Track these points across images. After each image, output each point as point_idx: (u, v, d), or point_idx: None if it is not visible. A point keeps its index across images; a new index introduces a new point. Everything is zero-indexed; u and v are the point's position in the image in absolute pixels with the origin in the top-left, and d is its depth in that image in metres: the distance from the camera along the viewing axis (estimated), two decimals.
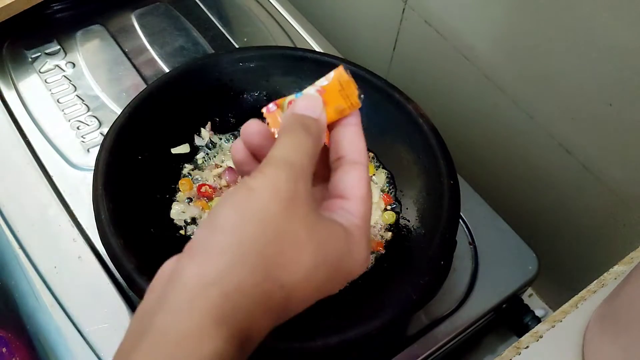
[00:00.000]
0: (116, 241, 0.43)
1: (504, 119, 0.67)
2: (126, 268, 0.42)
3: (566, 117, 0.59)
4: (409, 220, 0.53)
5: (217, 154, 0.57)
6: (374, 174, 0.56)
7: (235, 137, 0.58)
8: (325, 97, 0.32)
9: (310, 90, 0.33)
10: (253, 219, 0.26)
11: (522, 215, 0.67)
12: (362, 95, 0.33)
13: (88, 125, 0.64)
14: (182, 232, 0.51)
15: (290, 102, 0.33)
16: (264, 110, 0.34)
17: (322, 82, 0.33)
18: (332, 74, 0.33)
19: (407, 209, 0.54)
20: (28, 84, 0.68)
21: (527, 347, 0.43)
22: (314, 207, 0.28)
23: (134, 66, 0.71)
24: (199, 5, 0.79)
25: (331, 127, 0.33)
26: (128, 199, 0.48)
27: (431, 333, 0.53)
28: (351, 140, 0.33)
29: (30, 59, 0.70)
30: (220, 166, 0.55)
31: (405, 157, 0.55)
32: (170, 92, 0.55)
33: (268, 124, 0.33)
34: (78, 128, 0.64)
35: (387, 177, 0.56)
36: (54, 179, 0.59)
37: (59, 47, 0.72)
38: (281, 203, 0.26)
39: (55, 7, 0.76)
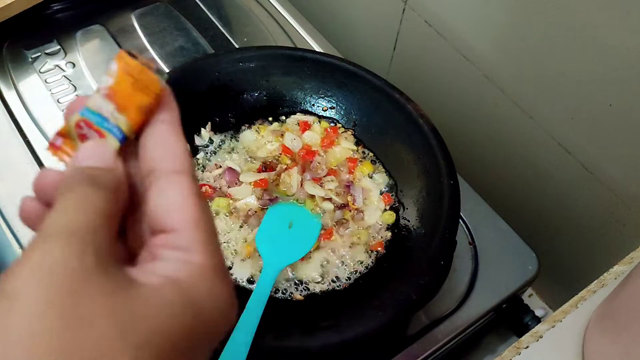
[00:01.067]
0: None
1: (504, 119, 0.67)
2: None
3: (566, 117, 0.59)
4: (409, 220, 0.53)
5: (217, 154, 0.57)
6: (372, 172, 0.56)
7: (232, 137, 0.58)
8: (119, 100, 0.24)
9: (97, 99, 0.24)
10: (17, 342, 0.17)
11: (522, 215, 0.68)
12: (165, 75, 0.25)
13: None
14: None
15: (78, 125, 0.24)
16: (48, 149, 0.25)
17: (108, 81, 0.24)
18: (114, 67, 0.24)
19: (407, 209, 0.54)
20: (28, 84, 0.68)
21: (527, 347, 0.43)
22: (115, 283, 0.19)
23: None
24: (199, 5, 0.79)
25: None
26: None
27: (431, 333, 0.53)
28: (162, 142, 0.23)
29: (30, 59, 0.70)
30: (220, 166, 0.55)
31: (405, 157, 0.55)
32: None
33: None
34: None
35: (387, 176, 0.56)
36: None
37: (59, 47, 0.72)
38: (57, 305, 0.17)
39: (55, 7, 0.76)
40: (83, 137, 0.24)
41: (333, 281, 0.49)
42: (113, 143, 0.24)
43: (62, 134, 0.24)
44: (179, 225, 0.22)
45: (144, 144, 0.24)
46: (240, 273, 0.49)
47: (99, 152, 0.23)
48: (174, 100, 0.24)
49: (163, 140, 0.23)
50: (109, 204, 0.21)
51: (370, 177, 0.56)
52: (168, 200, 0.22)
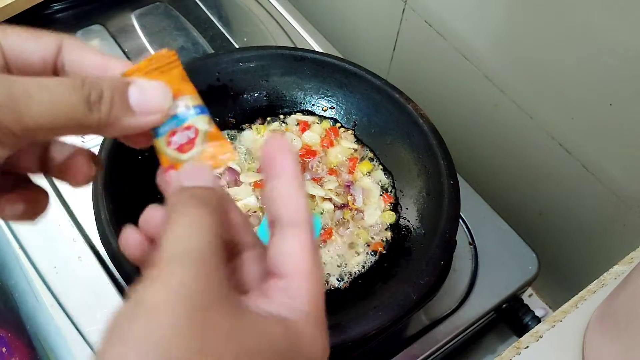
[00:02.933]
0: (116, 241, 0.43)
1: (504, 119, 0.67)
2: (126, 268, 0.42)
3: (566, 117, 0.59)
4: (409, 220, 0.53)
5: None
6: (370, 171, 0.56)
7: (232, 137, 0.58)
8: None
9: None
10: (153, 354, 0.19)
11: (522, 215, 0.68)
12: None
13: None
14: None
15: (169, 144, 0.25)
16: (165, 177, 0.25)
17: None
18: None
19: (407, 209, 0.54)
20: None
21: (527, 347, 0.43)
22: (232, 307, 0.21)
23: None
24: (199, 5, 0.79)
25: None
26: (128, 199, 0.48)
27: (431, 333, 0.53)
28: (286, 194, 0.25)
29: None
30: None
31: (405, 157, 0.55)
32: None
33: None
34: None
35: (387, 177, 0.56)
36: (54, 178, 0.59)
37: None
38: (190, 320, 0.20)
39: (55, 7, 0.76)
40: (182, 148, 0.25)
41: (333, 281, 0.49)
42: (203, 124, 0.25)
43: (168, 166, 0.25)
44: (292, 273, 0.23)
45: (269, 193, 0.25)
46: None
47: (199, 173, 0.24)
48: (293, 155, 0.25)
49: (287, 192, 0.25)
50: (219, 224, 0.23)
51: (370, 177, 0.56)
52: (286, 249, 0.24)
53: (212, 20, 0.77)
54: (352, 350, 0.48)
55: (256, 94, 0.60)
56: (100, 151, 0.49)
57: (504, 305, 0.56)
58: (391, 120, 0.56)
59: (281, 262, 0.24)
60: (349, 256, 0.51)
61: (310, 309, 0.23)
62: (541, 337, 0.43)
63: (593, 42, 0.52)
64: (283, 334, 0.22)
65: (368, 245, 0.52)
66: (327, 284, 0.49)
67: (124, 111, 0.23)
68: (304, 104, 0.60)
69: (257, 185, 0.53)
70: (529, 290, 0.67)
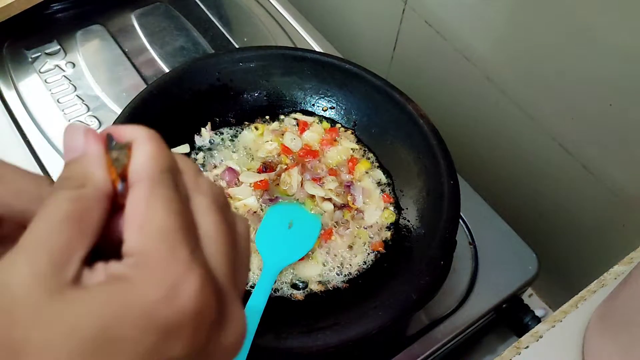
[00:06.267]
0: None
1: (504, 119, 0.67)
2: None
3: (566, 117, 0.59)
4: (409, 220, 0.53)
5: (217, 153, 0.57)
6: (369, 169, 0.56)
7: (232, 137, 0.58)
8: None
9: None
10: None
11: (522, 215, 0.67)
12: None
13: (88, 125, 0.64)
14: None
15: None
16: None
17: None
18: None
19: (407, 209, 0.54)
20: (28, 84, 0.68)
21: (527, 347, 0.43)
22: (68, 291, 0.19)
23: (134, 66, 0.71)
24: (199, 5, 0.79)
25: None
26: None
27: (431, 333, 0.53)
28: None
29: (30, 59, 0.70)
30: (216, 166, 0.55)
31: (405, 157, 0.55)
32: (171, 92, 0.55)
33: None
34: None
35: (387, 177, 0.56)
36: (54, 179, 0.59)
37: (59, 47, 0.72)
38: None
39: (55, 7, 0.76)
40: None
41: (333, 281, 0.49)
42: None
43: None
44: (127, 228, 0.22)
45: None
46: None
47: (69, 138, 0.25)
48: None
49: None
50: (73, 204, 0.22)
51: (369, 177, 0.56)
52: (126, 211, 0.22)
53: (212, 20, 0.78)
54: (352, 350, 0.48)
55: (256, 94, 0.60)
56: None
57: (504, 305, 0.56)
58: (391, 120, 0.56)
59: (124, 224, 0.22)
60: (349, 256, 0.51)
61: (142, 259, 0.20)
62: (541, 337, 0.43)
63: (593, 42, 0.52)
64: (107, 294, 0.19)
65: (368, 245, 0.52)
66: (328, 283, 0.49)
67: None
68: (304, 104, 0.60)
69: (257, 185, 0.53)
70: (529, 290, 0.67)
